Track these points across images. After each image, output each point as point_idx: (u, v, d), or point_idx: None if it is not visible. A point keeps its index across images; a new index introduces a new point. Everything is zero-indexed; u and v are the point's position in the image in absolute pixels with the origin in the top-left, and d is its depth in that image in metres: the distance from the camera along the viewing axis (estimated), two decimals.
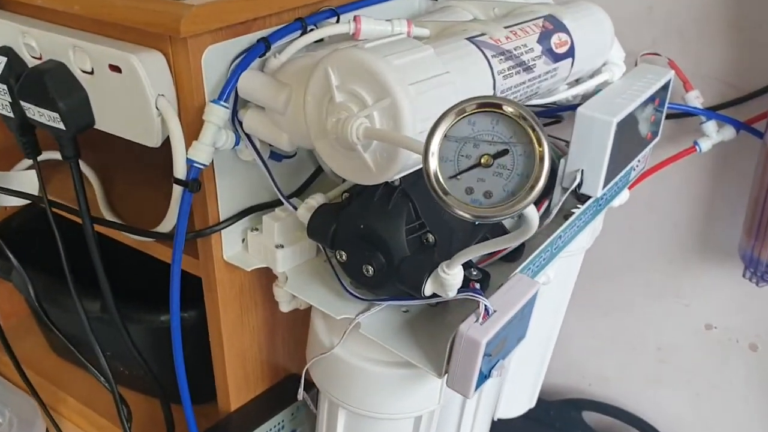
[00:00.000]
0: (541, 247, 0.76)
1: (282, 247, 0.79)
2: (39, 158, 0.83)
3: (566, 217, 0.81)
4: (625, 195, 0.92)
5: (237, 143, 0.74)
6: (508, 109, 0.50)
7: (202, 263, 0.83)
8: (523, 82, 0.73)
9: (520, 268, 0.72)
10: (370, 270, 0.69)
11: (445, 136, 0.50)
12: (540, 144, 0.49)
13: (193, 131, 0.71)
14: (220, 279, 0.84)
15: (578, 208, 0.82)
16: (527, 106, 0.79)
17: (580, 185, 0.78)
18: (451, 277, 0.64)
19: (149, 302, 0.92)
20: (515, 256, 0.77)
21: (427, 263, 0.67)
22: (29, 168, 0.94)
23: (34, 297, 0.89)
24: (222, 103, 0.69)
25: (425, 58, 0.63)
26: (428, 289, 0.66)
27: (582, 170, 0.77)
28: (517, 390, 1.10)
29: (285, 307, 0.84)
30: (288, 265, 0.80)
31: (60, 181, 0.95)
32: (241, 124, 0.74)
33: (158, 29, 0.66)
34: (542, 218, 0.78)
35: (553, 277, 0.86)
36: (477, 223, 0.67)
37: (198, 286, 0.85)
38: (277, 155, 0.81)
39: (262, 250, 0.81)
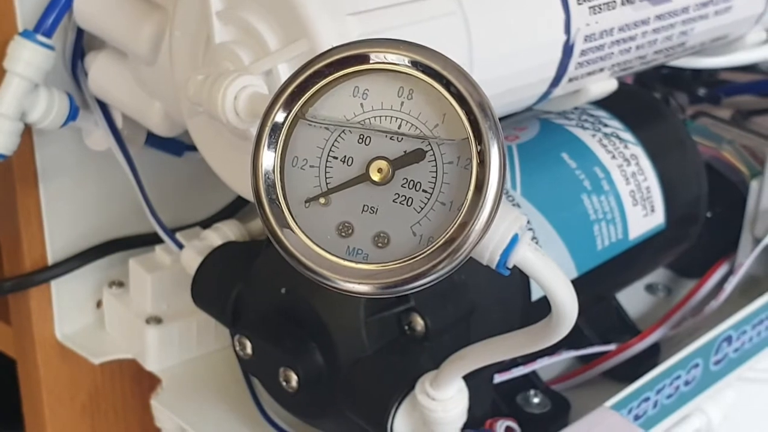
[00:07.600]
0: (682, 355, 0.59)
1: (158, 321, 0.61)
2: None
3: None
4: None
5: (73, 116, 0.58)
6: (422, 61, 0.35)
7: (16, 341, 0.65)
8: (644, 20, 0.57)
9: (622, 394, 0.56)
10: (292, 379, 0.52)
11: (303, 115, 0.37)
12: (478, 137, 0.35)
13: None
14: (50, 377, 0.66)
15: None
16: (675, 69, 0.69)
17: None
18: (439, 404, 0.48)
19: None
20: (637, 367, 0.61)
21: (403, 374, 0.51)
22: None
23: None
24: (40, 37, 0.54)
25: None
26: (401, 427, 0.49)
27: None
28: None
29: None
30: (169, 358, 0.63)
31: None
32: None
33: None
34: (711, 296, 0.65)
35: (719, 424, 0.64)
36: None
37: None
38: (172, 143, 0.64)
39: (125, 325, 0.63)
